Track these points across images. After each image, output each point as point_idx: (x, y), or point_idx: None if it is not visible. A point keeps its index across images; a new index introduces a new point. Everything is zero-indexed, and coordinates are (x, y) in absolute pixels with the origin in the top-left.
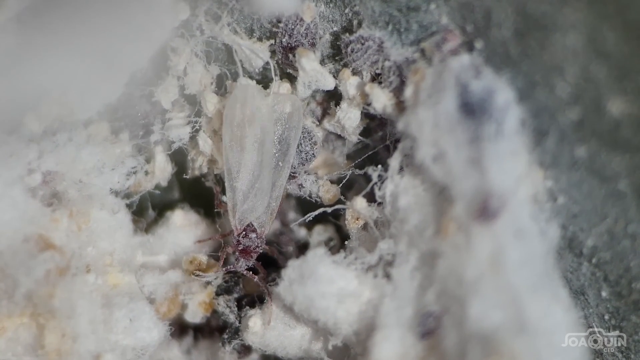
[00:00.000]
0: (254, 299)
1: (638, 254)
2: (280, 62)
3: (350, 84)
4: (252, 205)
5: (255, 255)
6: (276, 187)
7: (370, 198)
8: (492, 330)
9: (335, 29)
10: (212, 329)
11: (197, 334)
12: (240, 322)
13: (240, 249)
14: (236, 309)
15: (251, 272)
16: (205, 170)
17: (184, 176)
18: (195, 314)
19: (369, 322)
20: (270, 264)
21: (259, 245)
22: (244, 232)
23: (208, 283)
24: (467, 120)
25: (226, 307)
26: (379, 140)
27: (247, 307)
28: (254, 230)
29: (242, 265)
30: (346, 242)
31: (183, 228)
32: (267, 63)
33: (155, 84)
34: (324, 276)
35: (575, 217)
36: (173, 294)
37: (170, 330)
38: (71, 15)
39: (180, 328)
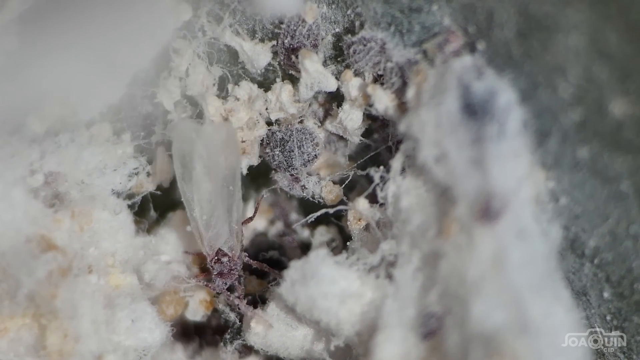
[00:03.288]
0: (255, 299)
1: None
2: (282, 63)
3: (352, 85)
4: (216, 232)
5: (233, 276)
6: (233, 210)
7: (373, 199)
8: (494, 331)
9: (337, 30)
10: (214, 331)
11: (201, 340)
12: (240, 321)
13: (215, 273)
14: (237, 307)
15: (228, 292)
16: None
17: None
18: (196, 312)
19: (371, 323)
20: (275, 264)
21: (233, 267)
22: (216, 258)
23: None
24: (470, 121)
25: (227, 306)
26: (381, 142)
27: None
28: (225, 254)
29: (219, 285)
30: (348, 243)
31: (185, 228)
32: (270, 64)
33: (158, 85)
34: (326, 277)
35: (577, 218)
36: (174, 290)
37: (172, 331)
38: (73, 16)
39: (183, 330)
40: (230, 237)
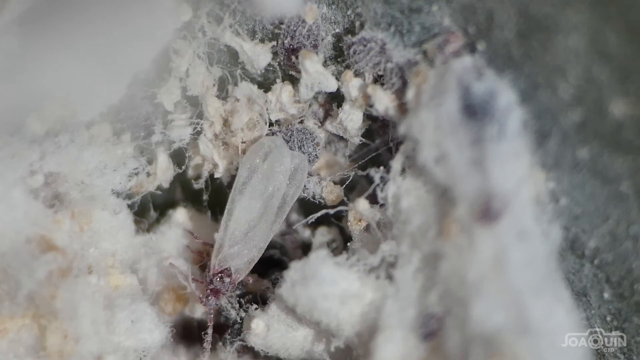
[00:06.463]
0: (256, 297)
1: None
2: (282, 63)
3: (352, 86)
4: (238, 251)
5: (223, 297)
6: (262, 240)
7: (373, 199)
8: (495, 332)
9: (337, 30)
10: (214, 329)
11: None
12: (241, 320)
13: (210, 288)
14: (237, 305)
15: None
16: (206, 174)
17: (179, 170)
18: (196, 309)
19: (372, 324)
20: (274, 264)
21: (229, 290)
22: (219, 274)
23: None
24: (470, 122)
25: (227, 303)
26: (381, 142)
27: (252, 305)
28: (229, 275)
29: (210, 303)
30: (349, 244)
31: (186, 226)
32: (270, 65)
33: (158, 86)
34: (326, 277)
35: (577, 219)
36: (175, 285)
37: (172, 332)
38: (73, 16)
39: (184, 331)
40: (245, 262)
